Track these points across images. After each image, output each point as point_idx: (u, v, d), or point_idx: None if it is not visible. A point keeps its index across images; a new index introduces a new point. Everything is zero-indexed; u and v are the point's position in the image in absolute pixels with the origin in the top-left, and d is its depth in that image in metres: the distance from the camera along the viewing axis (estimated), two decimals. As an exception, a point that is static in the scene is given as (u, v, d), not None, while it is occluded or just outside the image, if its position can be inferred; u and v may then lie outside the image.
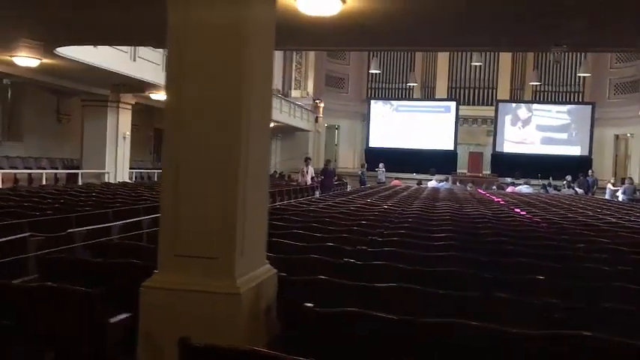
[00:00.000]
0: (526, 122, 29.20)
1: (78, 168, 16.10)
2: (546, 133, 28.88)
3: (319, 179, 19.55)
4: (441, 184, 22.90)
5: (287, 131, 28.94)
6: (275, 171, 27.54)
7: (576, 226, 8.35)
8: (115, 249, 5.08)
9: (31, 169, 15.96)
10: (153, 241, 4.84)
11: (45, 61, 10.71)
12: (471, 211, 10.29)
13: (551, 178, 25.57)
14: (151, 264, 3.59)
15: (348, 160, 33.06)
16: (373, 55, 32.63)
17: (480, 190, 21.59)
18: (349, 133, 33.68)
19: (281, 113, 24.64)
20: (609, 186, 21.85)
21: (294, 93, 30.00)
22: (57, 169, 16.68)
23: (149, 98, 16.04)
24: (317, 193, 19.22)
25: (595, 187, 24.64)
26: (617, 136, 30.17)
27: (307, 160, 19.68)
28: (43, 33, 8.92)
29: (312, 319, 3.05)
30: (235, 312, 3.18)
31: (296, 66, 30.89)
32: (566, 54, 31.59)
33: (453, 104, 29.72)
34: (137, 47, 12.57)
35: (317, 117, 30.91)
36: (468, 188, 22.27)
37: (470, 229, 7.22)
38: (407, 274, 4.20)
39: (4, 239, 5.42)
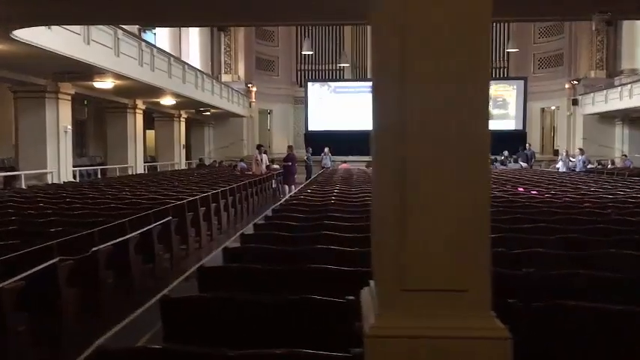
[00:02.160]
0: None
1: (13, 169, 14.22)
2: (483, 109, 29.32)
3: (283, 166, 18.53)
4: (391, 164, 22.57)
5: (220, 118, 27.59)
6: (214, 160, 26.21)
7: (606, 202, 8.12)
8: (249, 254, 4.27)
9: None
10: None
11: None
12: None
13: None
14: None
15: (282, 146, 32.07)
16: (305, 36, 31.84)
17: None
18: (282, 117, 32.73)
19: (221, 99, 23.31)
20: (561, 158, 22.44)
21: (225, 77, 28.60)
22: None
23: (91, 87, 14.40)
24: (274, 183, 18.33)
25: (533, 159, 25.37)
26: (542, 110, 31.26)
27: (260, 147, 18.62)
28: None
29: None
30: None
31: (225, 49, 29.46)
32: (493, 30, 32.28)
33: (391, 83, 29.42)
34: (90, 29, 11.04)
35: (250, 102, 29.74)
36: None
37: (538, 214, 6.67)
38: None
39: (37, 268, 4.25)
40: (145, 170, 20.60)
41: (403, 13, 2.49)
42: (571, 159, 21.57)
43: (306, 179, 21.86)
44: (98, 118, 19.74)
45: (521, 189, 10.46)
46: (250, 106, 29.65)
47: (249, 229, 11.62)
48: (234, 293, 3.02)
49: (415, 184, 2.46)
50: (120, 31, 12.65)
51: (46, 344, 4.59)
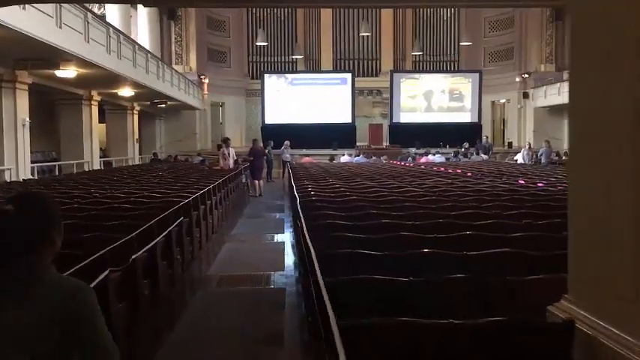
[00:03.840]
0: (419, 92, 29.59)
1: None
2: (440, 103, 29.52)
3: (248, 161, 17.84)
4: (356, 158, 22.30)
5: (171, 111, 26.42)
6: (170, 155, 25.07)
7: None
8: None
9: None
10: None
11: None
12: (488, 187, 9.60)
13: (448, 146, 26.24)
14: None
15: (235, 139, 31.21)
16: (257, 27, 31.05)
17: (398, 162, 21.36)
18: (234, 110, 31.82)
19: (179, 90, 22.26)
20: (523, 151, 22.77)
21: (176, 69, 27.37)
22: None
23: (50, 77, 13.23)
24: (244, 178, 17.63)
25: (491, 151, 25.73)
26: (493, 103, 31.82)
27: (226, 140, 17.76)
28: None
29: None
30: None
31: (176, 39, 28.27)
32: (445, 25, 32.61)
33: (348, 76, 29.16)
34: (62, 12, 10.00)
35: (203, 94, 28.69)
36: (383, 161, 21.92)
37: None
38: None
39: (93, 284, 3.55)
40: (100, 166, 19.38)
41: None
42: (530, 152, 21.90)
43: (267, 174, 21.25)
44: (48, 110, 18.32)
45: (522, 181, 10.33)
46: (203, 99, 28.60)
47: (245, 228, 11.12)
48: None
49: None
50: (90, 15, 11.62)
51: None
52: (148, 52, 18.19)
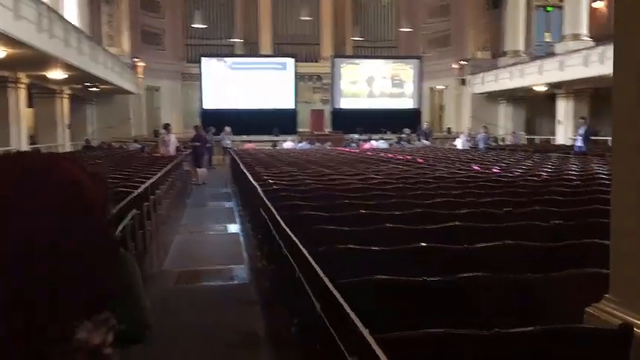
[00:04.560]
0: (360, 78, 29.50)
1: None
2: (382, 88, 29.55)
3: (191, 147, 17.18)
4: (299, 144, 21.96)
5: (104, 95, 25.12)
6: (103, 142, 23.88)
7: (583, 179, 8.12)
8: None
9: None
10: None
11: None
12: (457, 175, 9.50)
13: (389, 132, 26.35)
14: None
15: (172, 125, 30.10)
16: (195, 8, 30.00)
17: (343, 149, 21.19)
18: (170, 94, 30.68)
19: (113, 73, 21.12)
20: (462, 136, 23.08)
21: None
22: None
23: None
24: (186, 166, 16.93)
25: (431, 137, 26.02)
26: (431, 89, 32.17)
27: (167, 126, 17.04)
28: None
29: None
30: None
31: (107, 19, 26.85)
32: (384, 10, 32.63)
33: (290, 61, 28.66)
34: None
35: (138, 78, 27.48)
36: (327, 147, 21.72)
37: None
38: None
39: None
40: (29, 154, 18.12)
41: None
42: (468, 137, 22.23)
43: (208, 161, 20.60)
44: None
45: (476, 167, 10.32)
46: (137, 83, 27.39)
47: (194, 218, 10.56)
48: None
49: None
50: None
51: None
52: (82, 32, 17.09)
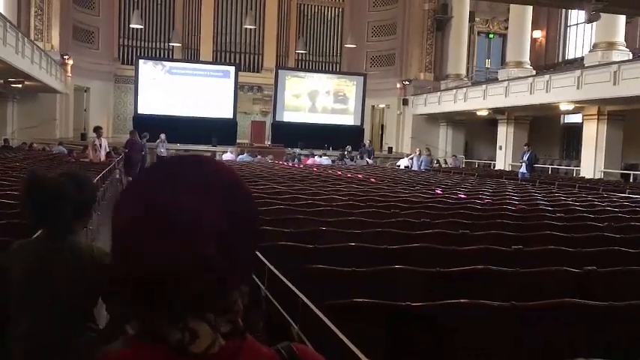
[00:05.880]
0: (304, 91, 28.82)
1: None
2: (324, 104, 28.97)
3: (124, 153, 15.89)
4: (240, 156, 20.93)
5: (27, 93, 23.19)
6: (24, 143, 21.96)
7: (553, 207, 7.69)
8: None
9: None
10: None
11: None
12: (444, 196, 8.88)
13: (331, 148, 25.80)
14: None
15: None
16: (132, 7, 28.50)
17: (286, 163, 20.37)
18: (100, 96, 28.86)
19: (40, 69, 19.42)
20: (406, 159, 22.76)
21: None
22: None
23: None
24: (118, 173, 15.61)
25: (373, 155, 25.63)
26: (373, 107, 31.94)
27: (98, 129, 15.62)
28: None
29: None
30: None
31: (36, 12, 24.95)
32: (329, 25, 32.25)
33: (232, 69, 27.58)
34: None
35: (66, 76, 25.65)
36: (269, 160, 20.82)
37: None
38: None
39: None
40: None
41: None
42: (410, 160, 21.89)
43: (140, 169, 19.24)
44: None
45: (439, 191, 9.77)
46: (66, 81, 25.56)
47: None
48: None
49: None
50: None
51: None
52: (7, 20, 15.49)
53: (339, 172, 14.81)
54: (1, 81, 18.79)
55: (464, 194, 9.25)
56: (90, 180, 2.18)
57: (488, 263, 3.72)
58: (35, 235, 2.17)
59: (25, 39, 17.94)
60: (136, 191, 0.90)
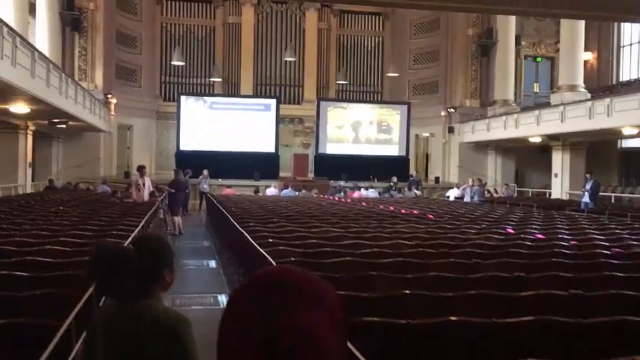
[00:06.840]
0: (346, 122, 28.24)
1: None
2: (367, 134, 28.30)
3: (168, 193, 15.48)
4: (284, 191, 20.35)
5: (71, 132, 23.23)
6: (69, 182, 21.90)
7: None
8: None
9: None
10: None
11: None
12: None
13: (376, 180, 25.02)
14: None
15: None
16: (173, 45, 28.65)
17: (330, 197, 19.66)
18: (143, 134, 28.90)
19: (84, 109, 19.37)
20: (456, 189, 21.77)
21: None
22: None
23: None
24: (161, 213, 15.18)
25: (420, 186, 24.69)
26: (417, 136, 31.08)
27: (142, 169, 15.25)
28: None
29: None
30: None
31: (80, 52, 25.24)
32: (369, 54, 31.77)
33: (273, 102, 27.27)
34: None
35: (110, 115, 25.73)
36: (314, 195, 20.17)
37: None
38: None
39: None
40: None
41: None
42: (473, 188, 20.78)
43: (183, 207, 18.80)
44: None
45: (510, 230, 8.86)
46: (110, 120, 25.62)
47: (174, 283, 8.72)
48: None
49: None
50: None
51: None
52: (50, 61, 15.40)
53: (392, 208, 13.98)
54: (46, 122, 18.74)
55: (540, 233, 8.32)
56: (162, 244, 2.14)
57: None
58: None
59: (69, 80, 17.91)
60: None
